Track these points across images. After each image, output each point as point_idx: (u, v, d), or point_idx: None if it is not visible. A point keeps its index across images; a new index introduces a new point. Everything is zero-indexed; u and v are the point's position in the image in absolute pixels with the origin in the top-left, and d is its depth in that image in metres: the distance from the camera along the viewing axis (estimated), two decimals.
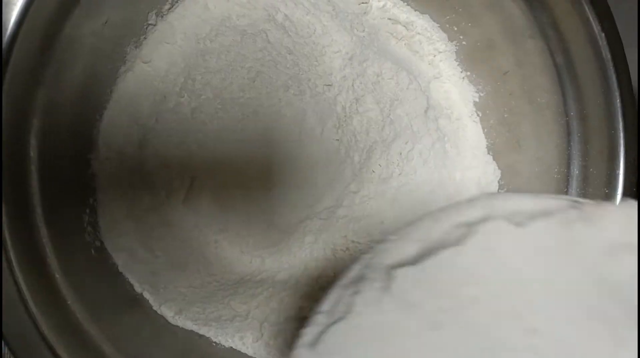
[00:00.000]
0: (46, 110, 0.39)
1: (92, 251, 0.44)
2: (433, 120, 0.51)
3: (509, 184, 0.52)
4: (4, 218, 0.35)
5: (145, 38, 0.47)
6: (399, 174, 0.51)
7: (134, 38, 0.47)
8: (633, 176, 0.43)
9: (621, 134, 0.43)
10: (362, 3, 0.51)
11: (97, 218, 0.45)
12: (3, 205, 0.35)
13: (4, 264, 0.35)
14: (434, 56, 0.53)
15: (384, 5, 0.52)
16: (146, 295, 0.47)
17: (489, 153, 0.53)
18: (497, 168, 0.52)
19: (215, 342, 0.48)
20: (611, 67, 0.43)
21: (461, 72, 0.53)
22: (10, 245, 0.35)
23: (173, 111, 0.46)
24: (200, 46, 0.47)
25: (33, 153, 0.38)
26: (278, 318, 0.49)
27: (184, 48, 0.47)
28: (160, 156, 0.46)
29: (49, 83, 0.39)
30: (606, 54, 0.42)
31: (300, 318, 0.50)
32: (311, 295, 0.49)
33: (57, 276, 0.38)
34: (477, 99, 0.53)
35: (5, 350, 0.46)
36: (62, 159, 0.42)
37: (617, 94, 0.43)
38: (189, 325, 0.48)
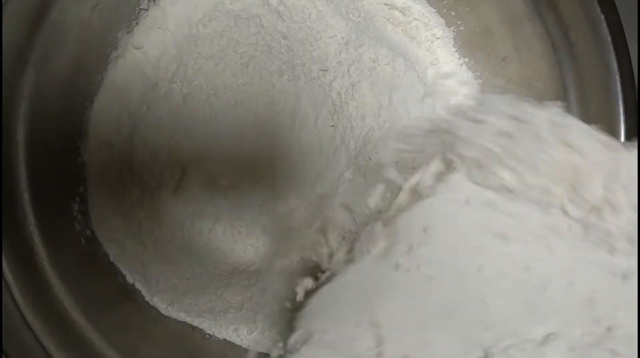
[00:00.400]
0: (34, 95, 0.38)
1: (83, 241, 0.43)
2: (430, 107, 0.50)
3: None
4: None
5: (137, 24, 0.46)
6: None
7: (126, 23, 0.46)
8: None
9: (622, 119, 0.43)
10: None
11: (88, 207, 0.44)
12: None
13: None
14: (432, 42, 0.52)
15: None
16: (138, 286, 0.46)
17: None
18: None
19: (209, 334, 0.48)
20: (611, 50, 0.42)
21: (459, 58, 0.52)
22: None
23: (164, 97, 0.45)
24: (192, 32, 0.46)
25: (20, 137, 0.37)
26: (272, 309, 0.48)
27: (176, 34, 0.46)
28: (151, 145, 0.45)
29: (37, 67, 0.38)
30: (606, 36, 0.42)
31: (295, 309, 0.49)
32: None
33: (45, 264, 0.37)
34: (475, 86, 0.52)
35: None
36: (51, 146, 0.41)
37: (617, 77, 0.42)
38: (182, 316, 0.47)
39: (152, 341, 0.44)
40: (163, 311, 0.47)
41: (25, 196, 0.37)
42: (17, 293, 0.34)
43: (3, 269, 0.34)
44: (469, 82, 0.53)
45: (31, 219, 0.37)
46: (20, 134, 0.37)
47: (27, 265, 0.36)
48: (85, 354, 0.37)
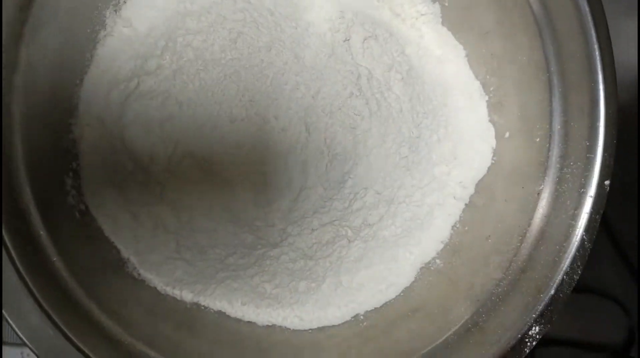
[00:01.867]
0: (27, 68, 0.38)
1: (77, 214, 0.43)
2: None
3: None
4: None
5: (124, 2, 0.47)
6: None
7: (113, 1, 0.46)
8: (613, 128, 0.44)
9: (601, 87, 0.43)
10: None
11: (81, 182, 0.44)
12: None
13: None
14: (416, 18, 0.53)
15: None
16: (132, 260, 0.47)
17: None
18: None
19: (203, 306, 0.48)
20: (590, 20, 0.43)
21: (444, 34, 0.53)
22: None
23: (154, 73, 0.45)
24: (180, 8, 0.46)
25: (16, 110, 0.38)
26: (269, 281, 0.49)
27: (164, 11, 0.47)
28: (143, 120, 0.45)
29: (29, 40, 0.38)
30: (584, 6, 0.43)
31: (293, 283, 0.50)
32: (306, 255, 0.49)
33: (41, 233, 0.38)
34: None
35: None
36: (44, 122, 0.41)
37: (595, 47, 0.43)
38: (176, 290, 0.48)
39: (147, 313, 0.45)
40: (157, 285, 0.47)
41: (21, 167, 0.38)
42: (17, 261, 0.35)
43: (3, 237, 0.35)
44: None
45: (27, 190, 0.38)
46: (15, 106, 0.38)
47: (26, 237, 0.37)
48: (82, 320, 0.38)
